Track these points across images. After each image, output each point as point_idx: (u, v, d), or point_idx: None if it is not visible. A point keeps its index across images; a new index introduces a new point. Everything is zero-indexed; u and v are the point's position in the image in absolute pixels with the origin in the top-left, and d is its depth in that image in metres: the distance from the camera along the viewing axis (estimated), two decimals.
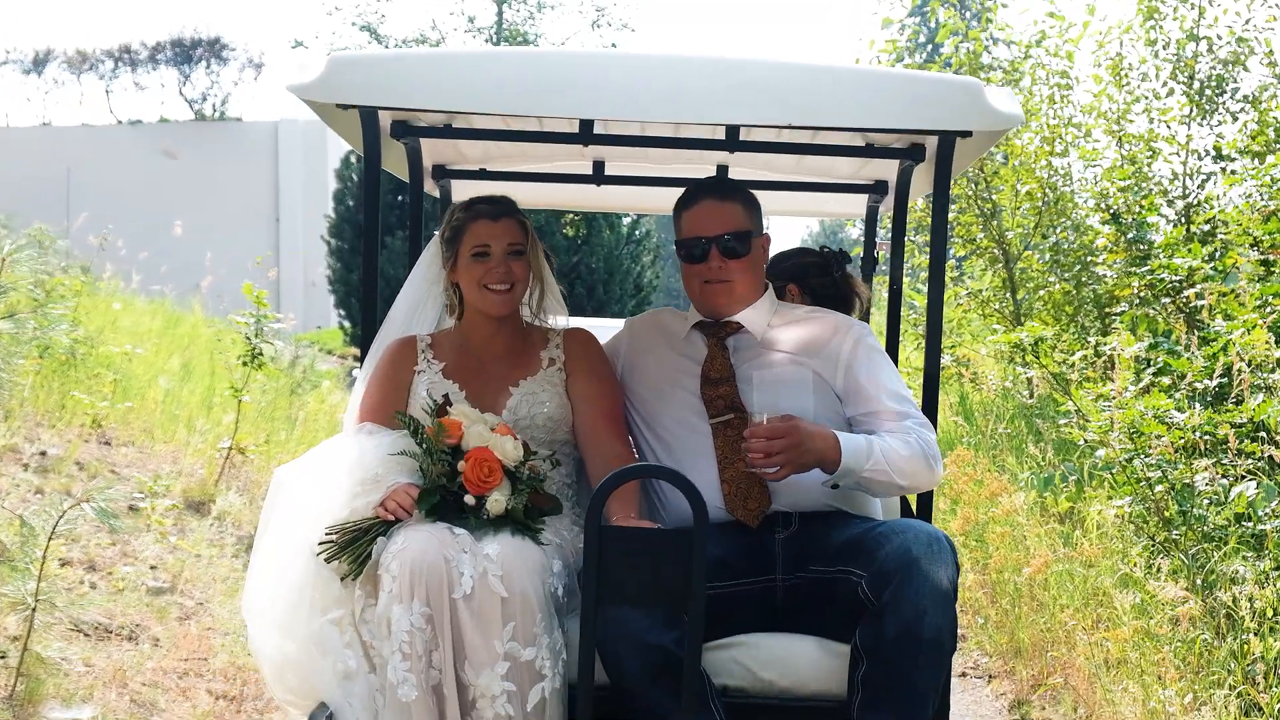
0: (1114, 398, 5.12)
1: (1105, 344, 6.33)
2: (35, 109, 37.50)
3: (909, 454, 3.20)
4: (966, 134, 3.22)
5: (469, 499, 3.13)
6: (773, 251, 3.92)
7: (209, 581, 6.31)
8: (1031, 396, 8.12)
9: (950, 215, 9.63)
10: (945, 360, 9.75)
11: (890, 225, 4.22)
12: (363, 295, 3.54)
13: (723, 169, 4.25)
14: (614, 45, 22.02)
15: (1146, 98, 9.31)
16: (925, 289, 11.92)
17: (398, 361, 3.49)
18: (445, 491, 3.15)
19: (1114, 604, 5.12)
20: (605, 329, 3.85)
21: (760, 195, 3.62)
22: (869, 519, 3.34)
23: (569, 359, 3.51)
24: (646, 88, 2.99)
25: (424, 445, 3.18)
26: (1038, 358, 6.23)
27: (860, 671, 3.05)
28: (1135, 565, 4.77)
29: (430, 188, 4.39)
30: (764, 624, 3.24)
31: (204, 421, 8.59)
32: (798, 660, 3.19)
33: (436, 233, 3.64)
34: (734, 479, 3.29)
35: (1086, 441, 6.33)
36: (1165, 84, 9.26)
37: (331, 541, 3.11)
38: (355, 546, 3.09)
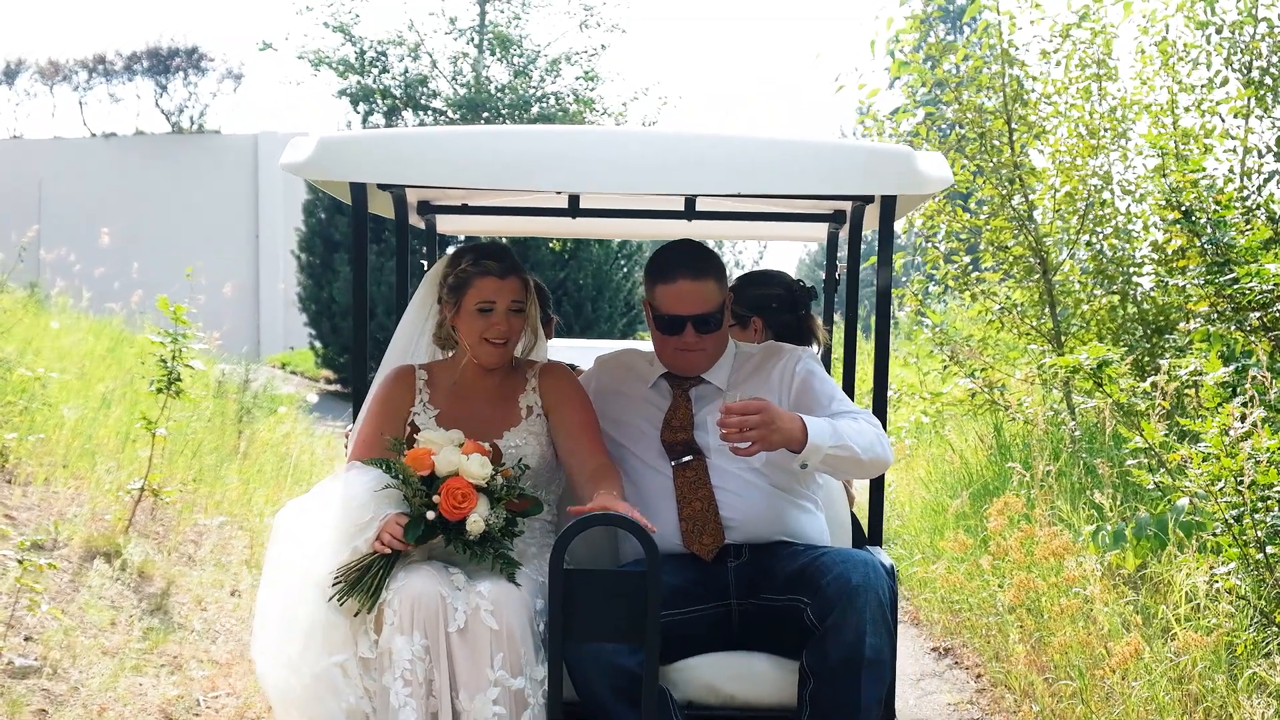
0: (1217, 434, 4.01)
1: (1180, 366, 5.22)
2: (6, 121, 36.30)
3: (861, 430, 3.43)
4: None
5: (444, 522, 3.32)
6: (750, 266, 3.79)
7: (94, 657, 5.19)
8: (1078, 429, 6.99)
9: (978, 220, 8.56)
10: (973, 385, 8.61)
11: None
12: (353, 344, 3.94)
13: (690, 200, 4.51)
14: (604, 46, 20.86)
15: (1197, 87, 8.23)
16: (943, 306, 10.84)
17: (394, 394, 3.69)
18: (427, 519, 3.33)
19: (1217, 699, 4.04)
20: (594, 350, 4.14)
21: (726, 224, 4.02)
22: (814, 547, 3.57)
23: (545, 398, 3.70)
24: (610, 161, 3.39)
25: (399, 478, 3.38)
26: (1100, 384, 5.11)
27: (808, 689, 3.31)
28: (1274, 665, 3.65)
29: (415, 220, 4.71)
30: (722, 644, 3.52)
31: (119, 458, 7.46)
32: (754, 675, 3.48)
33: (431, 270, 3.83)
34: (691, 517, 3.60)
35: (1158, 485, 5.22)
36: (1218, 72, 8.18)
37: (341, 582, 3.31)
38: (363, 582, 3.30)
